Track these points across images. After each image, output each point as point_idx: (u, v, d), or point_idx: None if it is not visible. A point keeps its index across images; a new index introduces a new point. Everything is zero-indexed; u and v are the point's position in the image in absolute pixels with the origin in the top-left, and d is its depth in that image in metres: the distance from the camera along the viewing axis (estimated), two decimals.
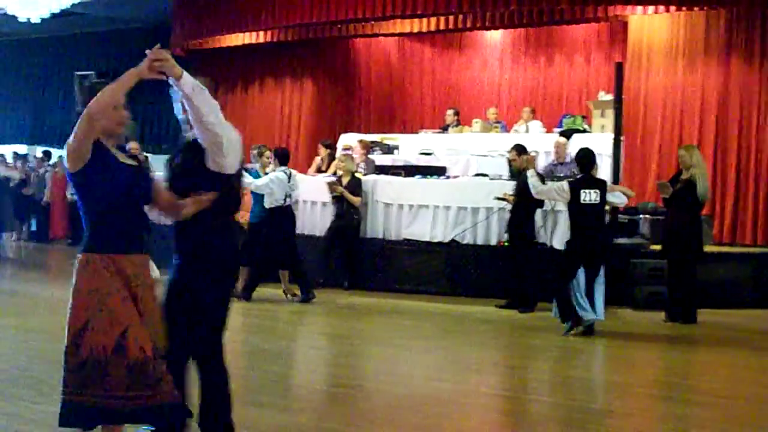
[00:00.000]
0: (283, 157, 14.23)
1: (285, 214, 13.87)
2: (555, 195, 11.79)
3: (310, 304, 13.54)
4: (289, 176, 13.94)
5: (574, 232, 11.46)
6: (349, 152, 16.44)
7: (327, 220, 15.45)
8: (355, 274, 15.23)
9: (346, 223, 15.10)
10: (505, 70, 22.26)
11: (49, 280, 15.74)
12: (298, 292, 13.94)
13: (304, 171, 17.42)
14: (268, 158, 14.45)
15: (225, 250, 5.35)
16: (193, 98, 5.04)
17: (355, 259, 15.24)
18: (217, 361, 5.41)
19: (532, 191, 12.31)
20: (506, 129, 18.72)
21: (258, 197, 13.98)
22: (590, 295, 11.26)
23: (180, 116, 5.36)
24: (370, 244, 15.35)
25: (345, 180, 15.13)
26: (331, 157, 17.29)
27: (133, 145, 17.03)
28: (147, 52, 5.04)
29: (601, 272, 11.40)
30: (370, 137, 18.17)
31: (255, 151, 14.78)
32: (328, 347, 10.93)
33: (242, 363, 9.04)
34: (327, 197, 15.34)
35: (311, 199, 16.00)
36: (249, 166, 14.14)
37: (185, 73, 5.06)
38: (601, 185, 11.48)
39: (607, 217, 12.14)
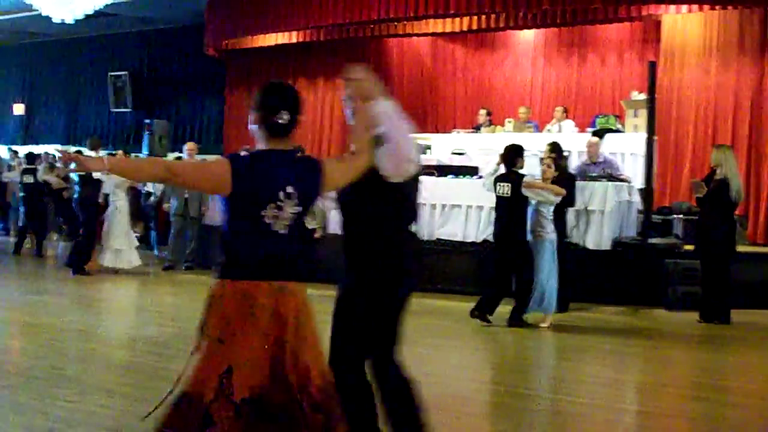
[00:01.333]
0: None
1: None
2: (488, 186, 12.25)
3: None
4: None
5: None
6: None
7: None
8: None
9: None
10: (537, 70, 22.17)
11: (82, 280, 15.82)
12: None
13: None
14: None
15: (390, 267, 5.11)
16: (385, 122, 4.87)
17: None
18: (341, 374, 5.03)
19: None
20: (538, 129, 18.68)
21: None
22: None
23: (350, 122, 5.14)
24: None
25: None
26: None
27: (190, 146, 17.42)
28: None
29: (542, 264, 11.65)
30: (420, 136, 18.17)
31: None
32: None
33: None
34: None
35: None
36: None
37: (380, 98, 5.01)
38: (514, 180, 11.70)
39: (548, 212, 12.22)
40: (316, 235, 15.94)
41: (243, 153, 4.79)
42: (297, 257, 4.50)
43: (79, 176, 16.58)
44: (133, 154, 24.04)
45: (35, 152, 21.92)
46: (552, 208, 11.87)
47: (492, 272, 12.16)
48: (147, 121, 23.05)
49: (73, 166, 4.39)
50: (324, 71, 22.23)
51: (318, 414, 4.42)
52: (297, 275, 4.48)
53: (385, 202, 5.08)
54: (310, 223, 15.85)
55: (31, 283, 16.02)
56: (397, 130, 4.95)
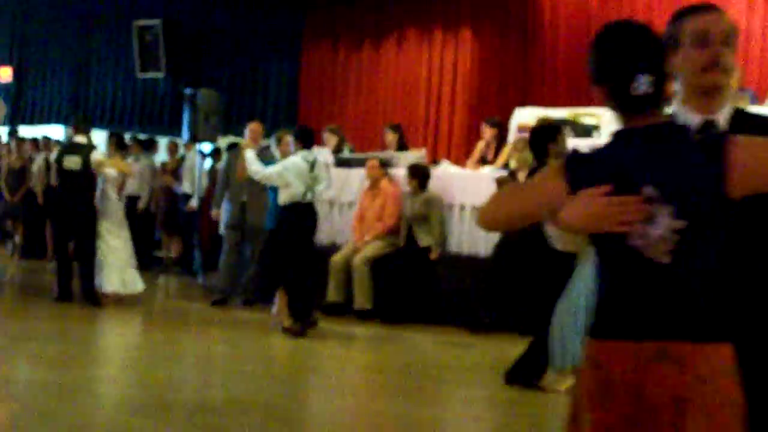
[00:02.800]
0: (305, 138, 14.72)
1: (303, 215, 14.48)
2: None
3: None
4: (312, 164, 14.49)
5: None
6: (527, 135, 16.32)
7: (494, 235, 15.27)
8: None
9: (523, 237, 14.85)
10: (755, 16, 21.78)
11: (85, 316, 15.94)
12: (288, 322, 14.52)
13: (460, 160, 17.39)
14: (288, 144, 14.68)
15: None
16: None
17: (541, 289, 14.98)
18: None
19: None
20: (756, 99, 18.33)
21: (276, 196, 14.61)
22: None
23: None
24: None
25: (521, 176, 14.95)
26: (500, 142, 17.18)
27: (253, 127, 17.49)
28: None
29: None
30: (556, 113, 18.00)
31: (273, 138, 15.64)
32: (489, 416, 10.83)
33: None
34: None
35: (471, 202, 15.92)
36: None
37: None
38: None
39: None
40: (432, 255, 15.88)
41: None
42: (694, 303, 3.89)
43: (59, 167, 16.75)
44: (164, 138, 24.19)
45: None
46: None
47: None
48: (188, 91, 22.97)
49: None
50: (443, 19, 22.25)
51: None
52: (694, 332, 3.87)
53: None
54: (423, 239, 15.80)
55: (16, 321, 16.16)
56: None
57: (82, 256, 16.87)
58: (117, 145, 18.49)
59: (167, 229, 22.83)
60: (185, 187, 21.43)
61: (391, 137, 18.78)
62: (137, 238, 18.79)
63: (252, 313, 16.71)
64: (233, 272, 17.69)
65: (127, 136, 19.03)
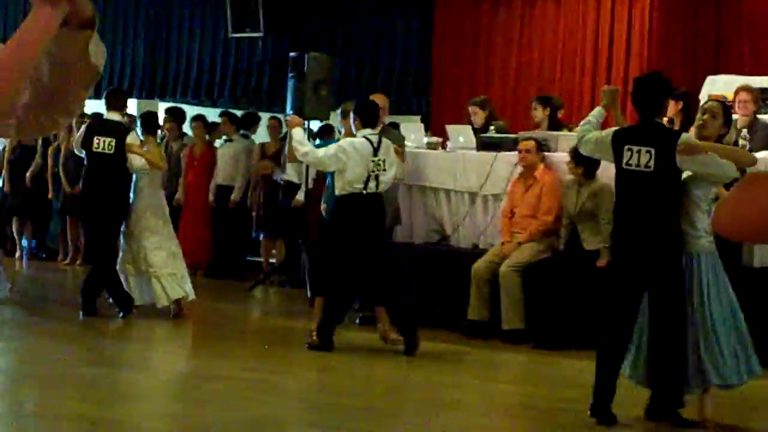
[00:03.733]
0: (366, 115, 14.69)
1: (366, 209, 14.43)
2: (590, 146, 12.13)
3: None
4: (377, 145, 14.38)
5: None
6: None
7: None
8: None
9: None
10: None
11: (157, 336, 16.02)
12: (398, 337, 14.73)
13: None
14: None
15: None
16: None
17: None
18: None
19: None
20: None
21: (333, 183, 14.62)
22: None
23: None
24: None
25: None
26: (687, 118, 17.04)
27: (377, 100, 17.43)
28: None
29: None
30: (760, 81, 17.81)
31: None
32: None
33: None
34: None
35: None
36: None
37: None
38: (660, 139, 11.32)
39: None
40: (600, 261, 15.73)
41: None
42: None
43: (88, 150, 16.83)
44: (263, 114, 24.19)
45: None
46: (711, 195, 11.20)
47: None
48: (292, 54, 23.05)
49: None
50: None
51: None
52: None
53: None
54: (590, 241, 15.68)
55: (67, 342, 16.28)
56: None
57: (96, 258, 16.99)
58: (145, 126, 18.32)
59: (267, 227, 22.79)
60: (289, 175, 21.35)
61: (540, 113, 18.68)
62: (228, 239, 18.82)
63: (372, 333, 16.54)
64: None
65: (215, 112, 18.78)
